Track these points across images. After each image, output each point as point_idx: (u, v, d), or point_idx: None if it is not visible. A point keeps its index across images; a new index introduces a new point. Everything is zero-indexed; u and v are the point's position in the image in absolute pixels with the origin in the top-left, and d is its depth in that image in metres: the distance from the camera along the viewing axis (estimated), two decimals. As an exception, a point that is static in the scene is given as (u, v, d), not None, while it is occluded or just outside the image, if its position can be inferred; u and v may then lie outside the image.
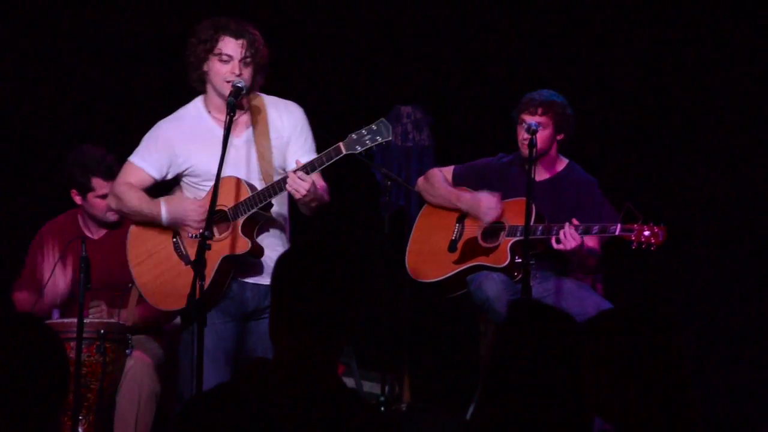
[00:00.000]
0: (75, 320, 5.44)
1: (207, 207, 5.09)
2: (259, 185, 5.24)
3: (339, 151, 5.00)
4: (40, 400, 2.89)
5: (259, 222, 5.26)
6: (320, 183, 5.28)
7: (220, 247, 5.18)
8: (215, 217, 5.21)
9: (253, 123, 5.31)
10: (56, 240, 6.03)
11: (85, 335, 5.45)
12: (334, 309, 2.99)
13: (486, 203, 6.05)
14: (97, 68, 7.64)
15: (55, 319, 5.87)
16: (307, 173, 5.06)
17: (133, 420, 5.66)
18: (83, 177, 6.00)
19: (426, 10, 7.77)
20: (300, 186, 5.05)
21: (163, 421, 5.78)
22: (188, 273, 5.25)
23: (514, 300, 5.68)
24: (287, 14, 7.66)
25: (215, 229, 5.18)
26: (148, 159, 5.40)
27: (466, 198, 6.15)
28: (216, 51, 5.23)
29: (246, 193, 5.17)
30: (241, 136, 5.32)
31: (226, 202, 5.19)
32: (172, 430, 3.00)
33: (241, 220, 5.19)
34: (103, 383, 5.60)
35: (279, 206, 5.34)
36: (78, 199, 6.09)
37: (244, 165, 5.28)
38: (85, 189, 6.02)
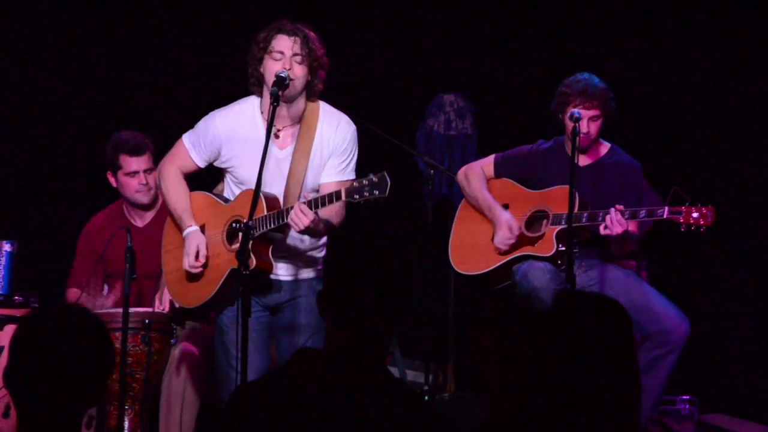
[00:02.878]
0: (120, 310, 5.48)
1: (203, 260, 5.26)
2: (282, 203, 5.22)
3: (339, 196, 4.98)
4: (82, 387, 2.93)
5: (273, 241, 5.23)
6: (342, 212, 5.26)
7: (230, 258, 5.18)
8: (234, 227, 5.27)
9: (299, 138, 5.30)
10: (103, 234, 6.07)
11: (129, 325, 5.49)
12: (384, 301, 3.00)
13: (503, 234, 6.01)
14: (152, 63, 7.72)
15: (104, 293, 5.92)
16: (310, 208, 5.02)
17: (179, 409, 5.69)
18: (113, 155, 6.11)
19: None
20: (300, 220, 5.01)
21: (208, 410, 5.81)
22: (203, 275, 5.34)
23: (559, 290, 5.65)
24: (332, 4, 7.66)
25: (226, 242, 5.28)
26: (197, 147, 5.40)
27: (496, 213, 6.11)
28: (269, 49, 5.23)
29: (261, 212, 5.14)
30: (285, 149, 5.28)
31: (245, 214, 5.16)
32: (221, 418, 3.02)
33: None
34: (148, 373, 5.64)
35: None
36: (113, 181, 6.18)
37: (278, 179, 5.25)
38: (115, 167, 6.11)
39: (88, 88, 7.70)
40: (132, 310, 5.58)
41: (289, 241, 5.30)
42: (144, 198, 6.08)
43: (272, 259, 5.23)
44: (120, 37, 7.72)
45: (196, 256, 5.30)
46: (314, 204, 5.02)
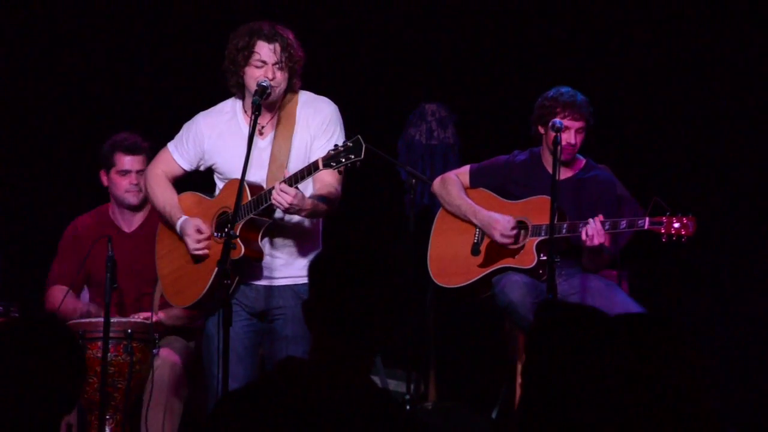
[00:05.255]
0: (102, 320, 5.47)
1: (206, 235, 5.26)
2: (266, 188, 5.24)
3: (317, 166, 5.00)
4: (55, 395, 2.96)
5: (262, 226, 5.24)
6: (334, 190, 5.25)
7: (219, 251, 5.16)
8: (222, 218, 5.28)
9: (278, 125, 5.32)
10: (89, 237, 6.06)
11: (112, 335, 5.49)
12: (370, 311, 3.00)
13: (501, 227, 6.00)
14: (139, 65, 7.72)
15: (84, 300, 5.91)
16: (290, 185, 5.03)
17: (161, 419, 5.68)
18: (108, 152, 6.12)
19: (451, 7, 7.76)
20: (283, 198, 5.01)
21: (190, 421, 5.80)
22: (196, 272, 5.34)
23: (542, 302, 5.66)
24: (313, 13, 7.67)
25: (216, 233, 5.29)
26: (181, 150, 5.46)
27: (482, 215, 6.11)
28: (251, 56, 5.25)
29: (245, 198, 5.17)
30: (266, 138, 5.33)
31: (231, 203, 5.18)
32: (205, 427, 3.02)
33: (238, 226, 5.17)
34: (130, 383, 5.62)
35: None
36: (105, 180, 6.17)
37: (261, 167, 5.28)
38: (109, 165, 6.10)
39: (71, 100, 7.69)
40: (114, 319, 5.58)
41: (277, 236, 5.30)
42: (133, 199, 6.08)
43: (261, 247, 5.24)
44: (104, 51, 7.72)
45: (199, 234, 5.30)
46: (293, 179, 5.04)
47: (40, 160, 7.67)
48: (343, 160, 4.93)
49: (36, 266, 6.59)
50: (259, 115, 5.16)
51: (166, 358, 5.79)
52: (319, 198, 5.20)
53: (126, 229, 6.17)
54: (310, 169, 5.03)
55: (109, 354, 5.49)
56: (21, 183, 7.67)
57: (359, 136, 4.95)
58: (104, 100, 7.69)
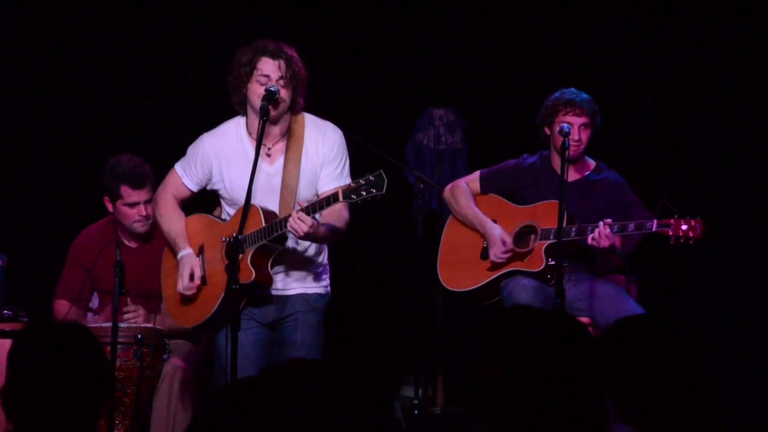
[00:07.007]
0: (110, 324, 5.47)
1: (197, 281, 5.33)
2: (279, 215, 5.24)
3: (337, 198, 5.00)
4: (80, 406, 2.92)
5: (273, 253, 5.25)
6: (344, 214, 5.28)
7: (226, 278, 5.18)
8: (230, 243, 5.26)
9: (287, 150, 5.31)
10: (94, 247, 6.05)
11: (122, 340, 5.49)
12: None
13: (498, 250, 6.02)
14: (146, 79, 7.71)
15: (90, 319, 5.90)
16: (308, 214, 5.04)
17: (170, 425, 5.68)
18: (113, 184, 6.01)
19: (459, 12, 7.76)
20: (299, 227, 5.04)
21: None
22: (203, 293, 5.39)
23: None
24: (321, 19, 7.67)
25: (225, 260, 5.26)
26: (189, 172, 5.46)
27: (486, 228, 6.13)
28: (254, 72, 5.25)
29: (259, 224, 5.18)
30: (275, 164, 5.32)
31: (245, 229, 5.18)
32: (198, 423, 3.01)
33: (250, 251, 5.18)
34: (139, 388, 5.63)
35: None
36: (109, 206, 6.11)
37: (272, 193, 5.29)
38: (115, 196, 6.03)
39: (79, 102, 7.69)
40: (125, 324, 5.58)
41: (288, 254, 5.31)
42: (141, 228, 6.04)
43: (272, 273, 5.25)
44: (115, 57, 7.73)
45: (191, 278, 5.33)
46: (311, 209, 5.05)
47: (47, 164, 7.67)
48: (364, 193, 4.93)
49: (44, 271, 6.59)
50: (267, 120, 5.16)
51: (176, 363, 5.79)
52: (331, 225, 5.22)
53: (131, 244, 6.13)
54: (330, 200, 5.03)
55: (118, 359, 5.49)
56: (28, 187, 7.67)
57: (381, 171, 4.95)
58: (113, 108, 7.68)
